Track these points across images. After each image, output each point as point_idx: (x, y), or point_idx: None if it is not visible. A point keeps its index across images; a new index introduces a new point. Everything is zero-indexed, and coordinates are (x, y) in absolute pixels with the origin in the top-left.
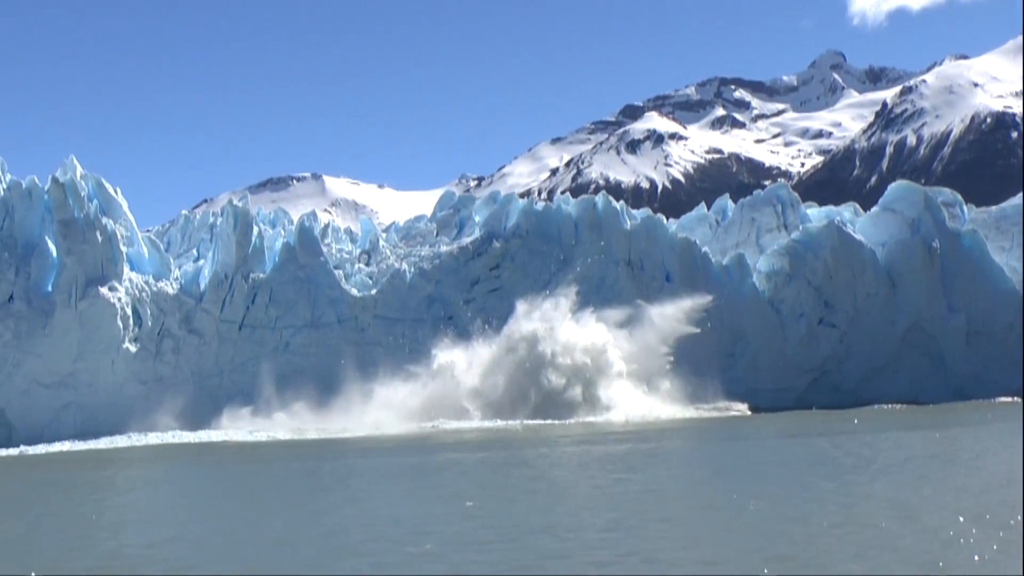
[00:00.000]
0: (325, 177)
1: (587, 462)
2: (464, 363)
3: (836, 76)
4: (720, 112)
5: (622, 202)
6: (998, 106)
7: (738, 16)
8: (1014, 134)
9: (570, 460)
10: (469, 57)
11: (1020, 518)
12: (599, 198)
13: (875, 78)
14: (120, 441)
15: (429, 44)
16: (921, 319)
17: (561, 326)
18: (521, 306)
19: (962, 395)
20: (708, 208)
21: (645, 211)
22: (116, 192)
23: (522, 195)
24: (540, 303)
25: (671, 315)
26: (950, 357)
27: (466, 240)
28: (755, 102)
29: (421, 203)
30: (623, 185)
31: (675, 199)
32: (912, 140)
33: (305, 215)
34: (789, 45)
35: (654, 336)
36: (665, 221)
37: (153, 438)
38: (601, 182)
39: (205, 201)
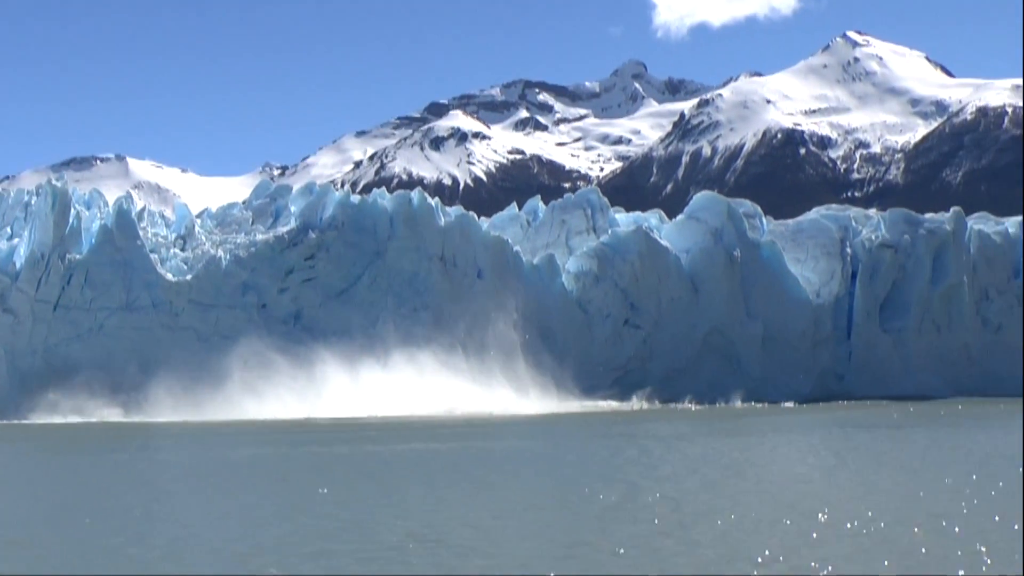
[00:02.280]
0: (129, 159)
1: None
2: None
3: (637, 85)
4: (524, 114)
5: (437, 199)
6: (788, 123)
7: (547, 20)
8: (802, 150)
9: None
10: (275, 45)
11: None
12: (415, 194)
13: (674, 89)
14: None
15: (235, 30)
16: (721, 324)
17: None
18: (331, 362)
19: (755, 397)
20: (519, 208)
21: (458, 209)
22: None
23: (322, 185)
24: (365, 362)
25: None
26: (746, 361)
27: (282, 229)
28: (558, 106)
29: (225, 189)
30: (426, 181)
31: (477, 197)
32: (707, 151)
33: (122, 197)
34: (594, 52)
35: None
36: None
37: None
38: (404, 177)
39: (7, 178)
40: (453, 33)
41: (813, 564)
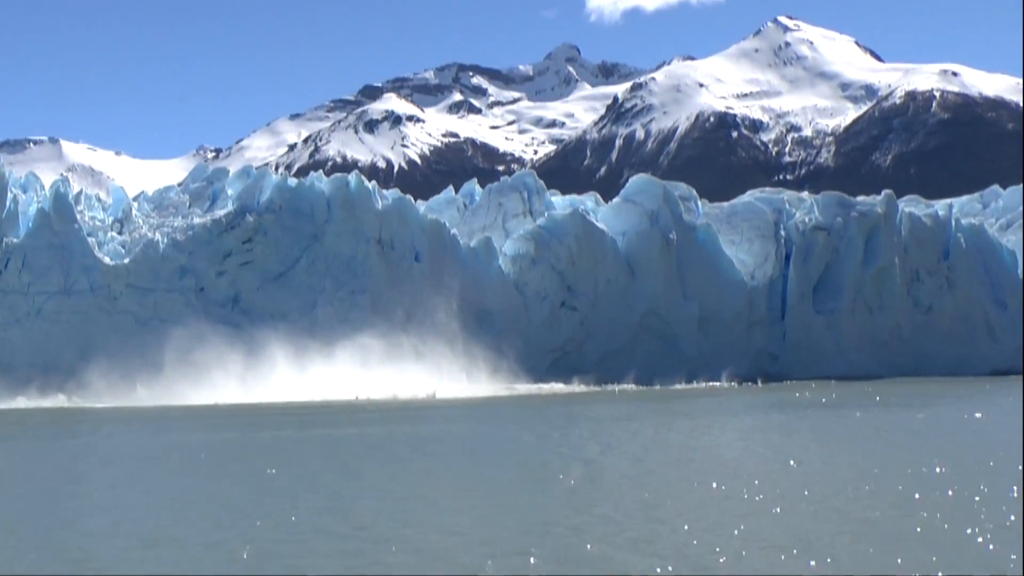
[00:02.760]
0: (62, 141)
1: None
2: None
3: (571, 69)
4: (457, 97)
5: (374, 182)
6: (721, 106)
7: (480, 3)
8: (734, 134)
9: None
10: (208, 27)
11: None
12: (352, 177)
13: (607, 73)
14: None
15: (168, 12)
16: (657, 305)
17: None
18: (270, 346)
19: (691, 377)
20: (455, 191)
21: (395, 192)
22: None
23: (259, 168)
24: (304, 345)
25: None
26: (683, 342)
27: (219, 213)
28: (492, 89)
29: (159, 172)
30: (360, 164)
31: (411, 180)
32: (641, 134)
33: (59, 180)
34: (527, 36)
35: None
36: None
37: None
38: (338, 160)
39: None
40: (387, 16)
41: (766, 537)
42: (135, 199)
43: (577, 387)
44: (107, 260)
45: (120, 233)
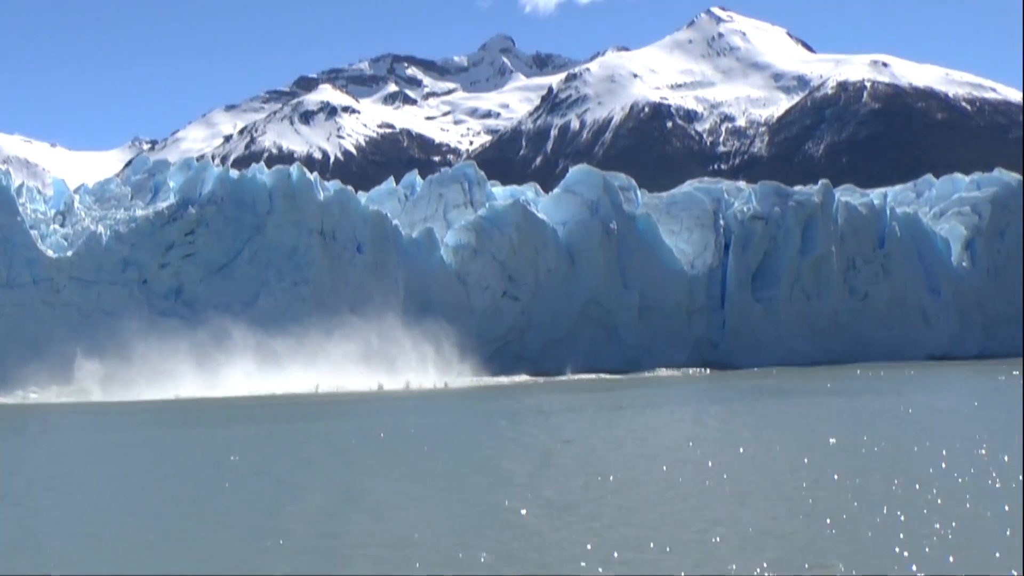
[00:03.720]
0: None
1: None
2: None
3: (505, 60)
4: (392, 88)
5: (315, 173)
6: (655, 97)
7: None
8: (669, 124)
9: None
10: (143, 18)
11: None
12: (294, 169)
13: (542, 64)
14: None
15: (100, 2)
16: (598, 295)
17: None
18: (213, 338)
19: (633, 365)
20: (396, 182)
21: (336, 183)
22: None
23: (198, 160)
24: (248, 337)
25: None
26: (624, 330)
27: (161, 205)
28: (427, 80)
29: (96, 164)
30: (296, 155)
31: (347, 171)
32: (576, 124)
33: (1, 173)
34: (462, 26)
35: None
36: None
37: None
38: (274, 151)
39: None
40: (321, 7)
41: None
42: (76, 191)
43: (521, 377)
44: (50, 253)
45: (62, 226)
